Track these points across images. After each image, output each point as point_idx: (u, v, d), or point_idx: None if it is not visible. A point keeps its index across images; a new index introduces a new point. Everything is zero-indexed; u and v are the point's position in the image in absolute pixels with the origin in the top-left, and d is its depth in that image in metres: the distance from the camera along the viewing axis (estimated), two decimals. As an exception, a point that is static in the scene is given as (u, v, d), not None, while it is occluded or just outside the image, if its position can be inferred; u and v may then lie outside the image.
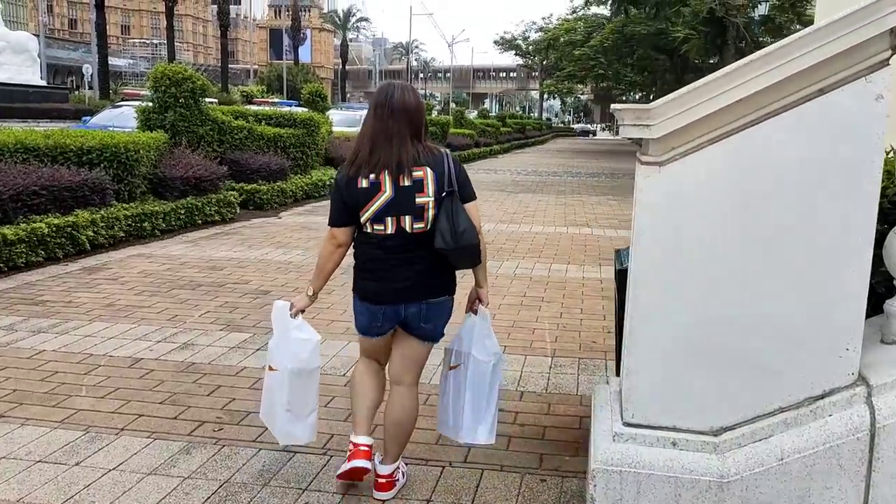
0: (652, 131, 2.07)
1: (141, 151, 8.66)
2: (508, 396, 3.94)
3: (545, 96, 74.52)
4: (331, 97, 73.87)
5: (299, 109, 15.14)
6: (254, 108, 14.90)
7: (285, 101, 25.93)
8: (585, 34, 31.66)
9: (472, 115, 36.74)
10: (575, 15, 37.70)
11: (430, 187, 2.58)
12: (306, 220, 10.35)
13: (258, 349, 4.62)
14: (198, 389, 3.95)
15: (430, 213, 2.59)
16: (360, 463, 2.73)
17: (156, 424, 3.50)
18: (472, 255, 2.63)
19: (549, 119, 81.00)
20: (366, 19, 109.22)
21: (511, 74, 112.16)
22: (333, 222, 2.71)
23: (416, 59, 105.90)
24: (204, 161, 9.85)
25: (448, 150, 2.76)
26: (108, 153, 8.19)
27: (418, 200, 2.58)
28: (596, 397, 2.64)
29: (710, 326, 2.16)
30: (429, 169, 2.59)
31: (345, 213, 2.66)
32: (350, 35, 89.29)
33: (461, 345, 2.84)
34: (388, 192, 2.57)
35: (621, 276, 3.02)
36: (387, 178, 2.57)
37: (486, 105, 78.40)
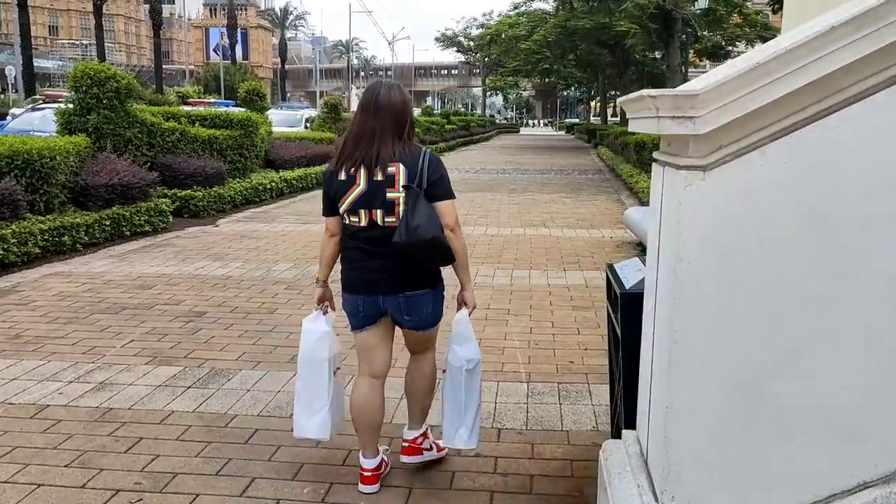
0: (696, 125, 1.55)
1: (58, 158, 7.83)
2: (485, 436, 3.39)
3: (488, 93, 74.28)
4: (270, 97, 72.20)
5: (236, 109, 14.32)
6: (187, 108, 14.00)
7: (222, 101, 24.87)
8: (529, 29, 31.35)
9: (415, 112, 36.11)
10: (517, 11, 37.39)
11: (401, 182, 2.63)
12: (246, 227, 9.62)
13: (189, 387, 3.97)
14: (114, 444, 3.29)
15: (401, 207, 2.63)
16: (370, 489, 2.81)
17: (58, 497, 2.84)
18: (428, 251, 2.63)
19: (492, 116, 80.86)
20: (303, 17, 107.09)
21: (453, 72, 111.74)
22: (324, 213, 2.81)
23: (356, 58, 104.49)
24: (132, 166, 9.05)
25: (428, 149, 2.76)
26: (19, 161, 7.34)
27: (389, 195, 2.64)
28: (608, 459, 2.11)
29: (773, 375, 1.65)
30: (402, 165, 2.64)
31: (330, 205, 2.76)
32: (288, 34, 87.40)
33: (447, 347, 2.88)
34: (361, 185, 2.65)
35: (627, 303, 2.51)
36: (362, 172, 2.65)
37: (429, 102, 77.84)
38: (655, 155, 2.01)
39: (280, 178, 13.18)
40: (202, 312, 5.45)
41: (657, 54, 35.86)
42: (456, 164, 23.64)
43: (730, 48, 32.76)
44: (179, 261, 7.33)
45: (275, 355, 4.50)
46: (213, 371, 4.22)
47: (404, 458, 2.95)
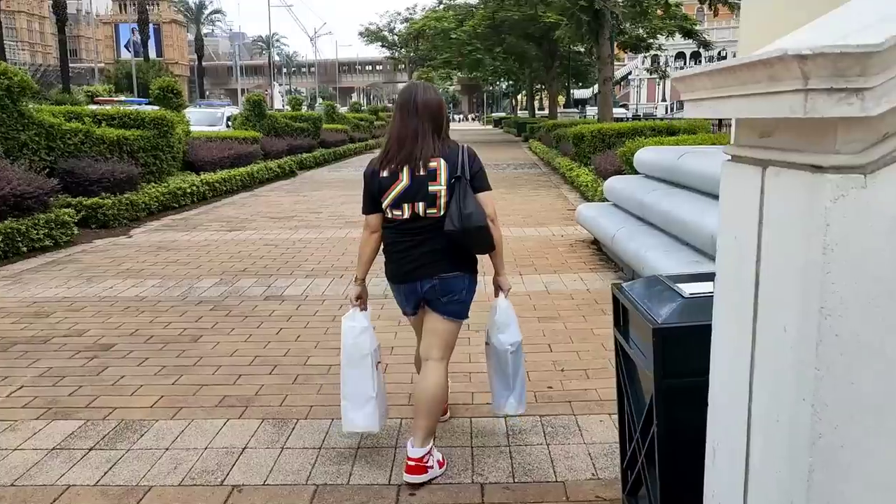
0: (866, 102, 0.97)
1: (-64, 166, 6.78)
2: (467, 496, 2.78)
3: (414, 88, 73.10)
4: (188, 94, 69.54)
5: (149, 108, 13.24)
6: (92, 107, 12.83)
7: (134, 98, 23.42)
8: (456, 22, 30.77)
9: (342, 109, 35.20)
10: (443, 5, 36.74)
11: (443, 176, 2.79)
12: (164, 237, 8.70)
13: (92, 448, 3.20)
14: (-14, 543, 2.52)
15: (443, 199, 2.80)
16: (415, 479, 2.84)
17: None
18: (478, 237, 2.80)
19: (419, 111, 79.81)
20: (219, 11, 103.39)
21: (378, 67, 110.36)
22: (364, 210, 2.96)
23: (277, 54, 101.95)
24: (27, 173, 8.00)
25: (466, 145, 2.92)
26: None
27: (431, 188, 2.80)
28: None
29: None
30: (443, 160, 2.81)
31: (372, 202, 2.91)
32: (205, 29, 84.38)
33: (489, 326, 3.13)
34: (404, 181, 2.81)
35: (664, 342, 1.94)
36: (405, 169, 2.81)
37: (355, 99, 76.42)
38: (733, 150, 1.42)
39: (201, 180, 12.21)
40: (110, 345, 4.63)
41: (581, 48, 35.88)
42: (387, 160, 22.89)
43: (651, 41, 33.07)
44: (84, 280, 6.41)
45: (200, 397, 3.75)
46: (121, 425, 3.44)
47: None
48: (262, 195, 13.34)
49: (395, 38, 59.93)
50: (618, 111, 26.73)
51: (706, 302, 2.03)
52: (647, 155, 6.95)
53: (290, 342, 4.65)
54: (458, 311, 2.95)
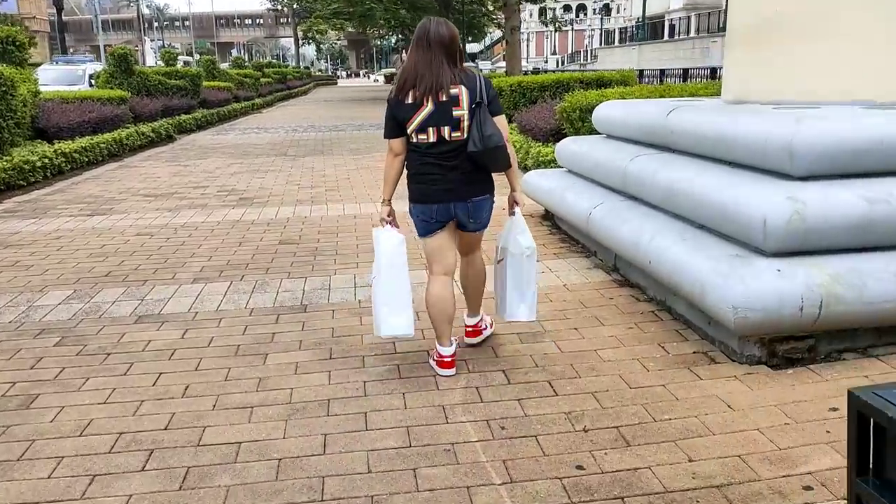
0: None
1: None
2: None
3: (301, 43, 69.71)
4: (50, 52, 63.32)
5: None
6: None
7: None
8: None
9: (224, 65, 32.42)
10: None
11: (465, 102, 3.08)
12: (2, 228, 6.78)
13: None
14: None
15: (465, 123, 3.08)
16: (448, 372, 3.30)
17: None
18: (499, 156, 3.11)
19: (307, 68, 76.52)
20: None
21: (259, 21, 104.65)
22: (388, 135, 3.23)
23: (147, 7, 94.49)
24: None
25: (481, 72, 3.35)
26: None
27: (454, 113, 3.08)
28: None
29: None
30: (463, 87, 3.09)
31: (396, 127, 3.18)
32: (63, -21, 76.70)
33: (502, 241, 3.44)
34: (429, 106, 3.07)
35: None
36: (428, 96, 3.06)
37: (235, 53, 71.92)
38: None
39: (55, 151, 10.12)
40: None
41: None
42: (279, 122, 20.94)
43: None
44: None
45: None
46: None
47: (469, 340, 3.57)
48: (134, 166, 11.34)
49: (278, -12, 56.24)
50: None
51: None
52: (614, 111, 5.74)
53: (174, 400, 3.16)
54: (483, 225, 3.33)
